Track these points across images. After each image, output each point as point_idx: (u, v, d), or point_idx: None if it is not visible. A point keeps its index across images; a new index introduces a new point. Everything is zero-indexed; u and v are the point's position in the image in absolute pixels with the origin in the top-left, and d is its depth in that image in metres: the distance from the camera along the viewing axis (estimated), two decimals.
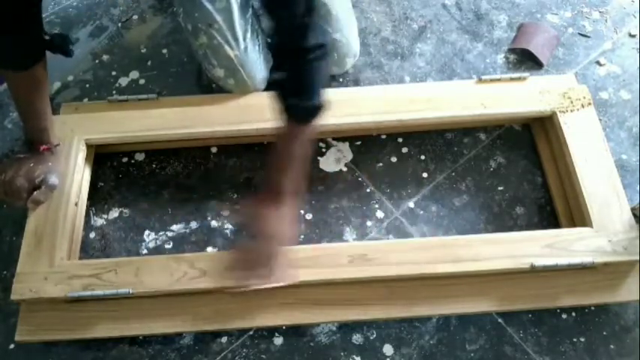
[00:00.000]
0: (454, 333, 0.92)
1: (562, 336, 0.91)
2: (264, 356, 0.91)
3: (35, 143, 0.96)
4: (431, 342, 0.91)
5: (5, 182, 0.93)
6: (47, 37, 0.89)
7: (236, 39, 1.02)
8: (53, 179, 0.95)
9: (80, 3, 1.34)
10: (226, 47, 1.02)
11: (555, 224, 1.01)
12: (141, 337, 0.92)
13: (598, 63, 1.20)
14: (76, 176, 0.99)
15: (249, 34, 1.04)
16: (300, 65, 0.77)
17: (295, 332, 0.92)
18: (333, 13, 1.07)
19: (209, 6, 0.99)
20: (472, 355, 0.90)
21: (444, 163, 1.08)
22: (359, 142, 1.11)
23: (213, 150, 1.11)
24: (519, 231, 0.98)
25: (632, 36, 1.24)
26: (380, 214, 1.03)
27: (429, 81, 1.18)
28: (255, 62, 1.06)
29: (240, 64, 1.04)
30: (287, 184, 0.82)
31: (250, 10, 1.05)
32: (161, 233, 1.02)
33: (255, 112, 1.04)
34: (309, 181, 1.06)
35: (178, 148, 1.10)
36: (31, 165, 0.94)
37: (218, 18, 1.00)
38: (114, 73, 1.22)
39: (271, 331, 0.93)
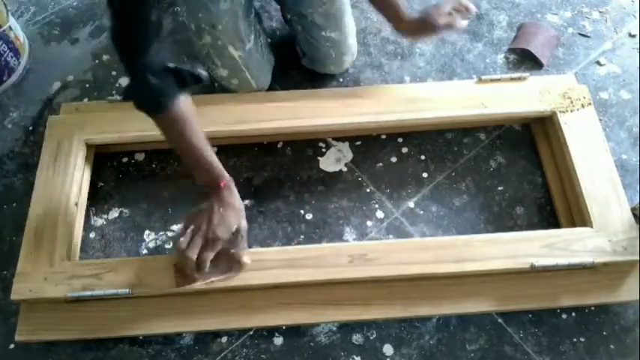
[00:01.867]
0: (454, 333, 0.92)
1: (562, 336, 0.91)
2: (264, 356, 0.91)
3: (210, 183, 0.87)
4: (431, 342, 0.91)
5: (203, 237, 0.84)
6: (175, 68, 0.83)
7: (240, 40, 1.02)
8: (243, 223, 0.88)
9: (80, 3, 1.34)
10: (230, 48, 1.02)
11: (555, 224, 1.01)
12: (141, 337, 0.92)
13: (598, 63, 1.20)
14: (76, 176, 0.99)
15: (252, 36, 1.04)
16: None
17: (295, 332, 0.93)
18: (332, 12, 1.07)
19: (213, 7, 0.98)
20: (472, 355, 0.90)
21: (444, 163, 1.08)
22: (359, 142, 1.11)
23: (214, 150, 1.10)
24: (519, 231, 0.98)
25: (632, 36, 1.24)
26: (380, 214, 1.03)
27: (429, 81, 1.18)
28: (259, 63, 1.07)
29: (244, 65, 1.04)
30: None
31: (253, 10, 1.05)
32: (161, 233, 1.02)
33: (255, 112, 1.04)
34: (310, 181, 1.07)
35: None
36: (221, 210, 0.85)
37: (222, 19, 0.99)
38: (114, 73, 1.22)
39: (271, 331, 0.93)
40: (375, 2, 1.03)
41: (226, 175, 0.87)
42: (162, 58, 0.81)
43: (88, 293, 0.87)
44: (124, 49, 0.81)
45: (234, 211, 0.86)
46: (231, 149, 1.10)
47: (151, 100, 0.82)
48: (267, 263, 0.89)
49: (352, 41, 1.13)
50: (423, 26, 0.98)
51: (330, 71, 1.16)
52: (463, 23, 0.98)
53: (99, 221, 1.04)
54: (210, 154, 0.86)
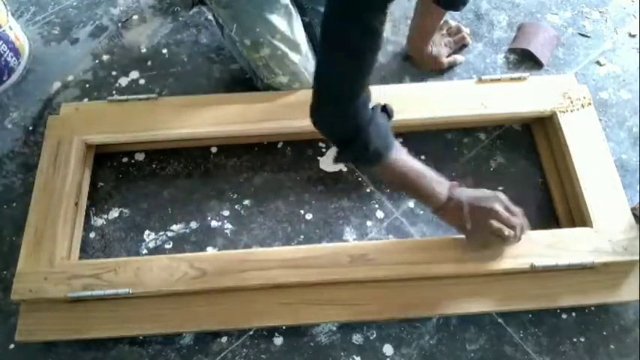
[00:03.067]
0: (454, 333, 0.92)
1: (562, 336, 0.91)
2: (264, 356, 0.91)
3: (443, 195, 0.85)
4: (431, 342, 0.91)
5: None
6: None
7: (297, 44, 1.03)
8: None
9: (80, 3, 1.34)
10: (290, 54, 1.02)
11: (555, 224, 1.01)
12: (141, 337, 0.92)
13: (598, 63, 1.20)
14: (76, 176, 0.99)
15: (304, 35, 1.05)
16: None
17: (295, 332, 0.93)
18: None
19: (272, 18, 0.98)
20: (472, 355, 0.90)
21: (444, 163, 1.08)
22: None
23: (213, 150, 1.11)
24: None
25: (632, 36, 1.24)
26: (380, 214, 1.03)
27: (429, 81, 1.18)
28: (313, 59, 1.08)
29: (303, 67, 1.05)
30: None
31: (297, 9, 1.06)
32: (161, 233, 1.02)
33: (256, 113, 1.04)
34: (310, 181, 1.07)
35: (178, 148, 1.10)
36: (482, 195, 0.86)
37: (281, 28, 1.00)
38: (114, 73, 1.22)
39: (271, 331, 0.93)
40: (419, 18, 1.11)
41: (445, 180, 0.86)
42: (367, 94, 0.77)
43: (88, 293, 0.87)
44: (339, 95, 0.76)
45: (484, 192, 0.86)
46: (231, 149, 1.10)
47: (374, 155, 0.79)
48: (267, 263, 0.89)
49: None
50: (432, 63, 1.16)
51: None
52: (461, 59, 1.19)
53: (99, 221, 1.04)
54: (429, 174, 0.84)
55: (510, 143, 1.10)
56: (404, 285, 0.90)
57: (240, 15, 0.99)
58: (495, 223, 0.83)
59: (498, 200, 0.85)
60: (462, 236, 0.95)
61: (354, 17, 0.68)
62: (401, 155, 0.83)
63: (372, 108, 0.80)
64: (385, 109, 0.83)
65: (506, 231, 0.83)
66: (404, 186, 0.86)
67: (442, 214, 0.86)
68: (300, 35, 1.04)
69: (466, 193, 0.85)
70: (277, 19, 0.99)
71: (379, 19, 0.69)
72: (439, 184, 0.84)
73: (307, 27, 1.09)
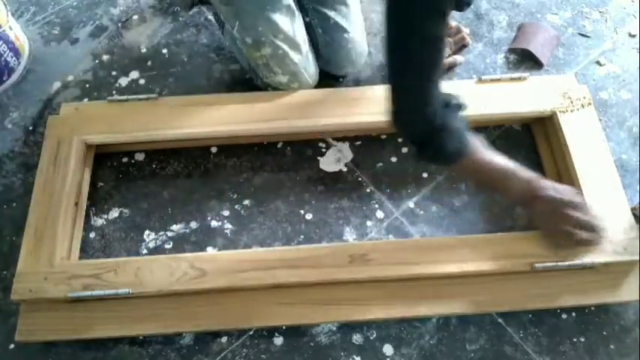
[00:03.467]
0: (454, 333, 0.92)
1: (562, 336, 0.91)
2: (264, 356, 0.91)
3: (528, 185, 0.86)
4: (431, 342, 0.91)
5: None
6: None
7: (299, 44, 1.03)
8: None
9: (80, 3, 1.34)
10: (291, 54, 1.02)
11: None
12: (141, 337, 0.92)
13: (598, 63, 1.20)
14: (76, 176, 0.99)
15: (305, 35, 1.06)
16: None
17: (295, 332, 0.93)
18: (352, 10, 1.08)
19: (274, 17, 0.98)
20: (472, 355, 0.90)
21: None
22: (359, 142, 1.11)
23: (213, 150, 1.11)
24: (519, 231, 0.97)
25: (632, 36, 1.24)
26: (380, 214, 1.03)
27: None
28: (312, 60, 1.08)
29: (303, 67, 1.05)
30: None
31: (298, 8, 1.06)
32: (161, 233, 1.02)
33: (256, 113, 1.04)
34: (310, 181, 1.07)
35: (178, 148, 1.10)
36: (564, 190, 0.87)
37: (284, 28, 1.00)
38: (114, 73, 1.22)
39: (271, 331, 0.93)
40: None
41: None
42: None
43: (88, 293, 0.87)
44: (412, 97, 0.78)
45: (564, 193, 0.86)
46: (231, 149, 1.10)
47: (449, 156, 0.82)
48: (267, 263, 0.89)
49: (365, 41, 1.15)
50: None
51: (346, 72, 1.17)
52: (461, 59, 1.19)
53: (99, 221, 1.04)
54: (509, 170, 0.86)
55: (510, 143, 1.10)
56: (404, 285, 0.90)
57: (242, 13, 0.99)
58: (569, 228, 0.84)
59: (577, 204, 0.85)
60: (463, 236, 0.95)
61: (412, 28, 0.70)
62: (478, 153, 0.84)
63: (446, 106, 0.80)
64: (458, 104, 0.83)
65: (581, 234, 0.84)
66: (480, 182, 0.89)
67: (523, 208, 0.89)
68: (301, 35, 1.04)
69: (546, 192, 0.84)
70: (280, 19, 0.99)
71: (439, 27, 0.70)
72: (518, 180, 0.85)
73: (308, 27, 1.09)
